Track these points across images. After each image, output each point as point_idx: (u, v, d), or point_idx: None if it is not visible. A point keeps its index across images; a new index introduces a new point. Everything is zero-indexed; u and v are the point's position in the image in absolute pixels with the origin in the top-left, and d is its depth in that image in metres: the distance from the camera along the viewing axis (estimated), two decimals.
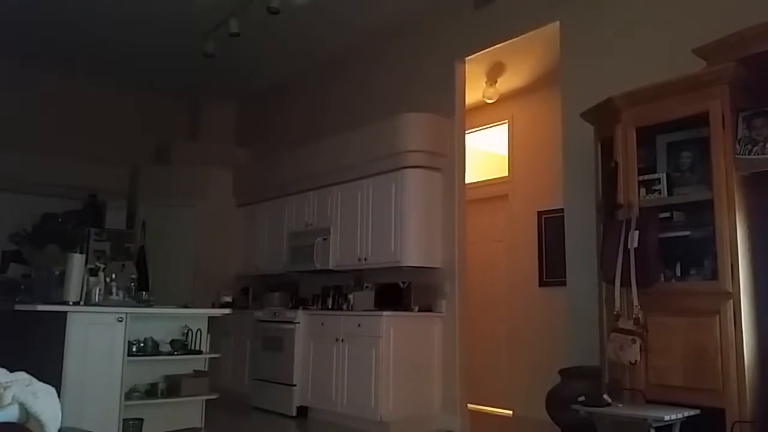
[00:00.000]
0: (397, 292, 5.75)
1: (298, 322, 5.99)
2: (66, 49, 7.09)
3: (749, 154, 3.28)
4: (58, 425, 2.50)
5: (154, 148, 8.22)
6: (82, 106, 7.70)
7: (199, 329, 4.55)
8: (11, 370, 2.54)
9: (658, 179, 3.63)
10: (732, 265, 3.21)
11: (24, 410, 2.35)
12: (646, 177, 3.67)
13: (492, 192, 6.76)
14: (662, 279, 3.52)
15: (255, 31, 6.24)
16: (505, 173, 6.72)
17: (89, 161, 7.45)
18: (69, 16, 6.30)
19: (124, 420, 3.97)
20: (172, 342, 4.45)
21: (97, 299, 4.22)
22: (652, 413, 3.13)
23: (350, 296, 5.94)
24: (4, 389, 2.35)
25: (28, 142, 7.12)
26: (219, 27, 6.04)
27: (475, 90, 6.30)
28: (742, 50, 3.33)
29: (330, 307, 6.21)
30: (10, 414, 2.30)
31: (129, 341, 4.09)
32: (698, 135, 3.54)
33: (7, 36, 6.74)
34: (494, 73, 6.23)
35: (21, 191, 7.02)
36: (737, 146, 3.31)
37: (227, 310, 5.15)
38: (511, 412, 6.21)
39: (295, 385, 5.88)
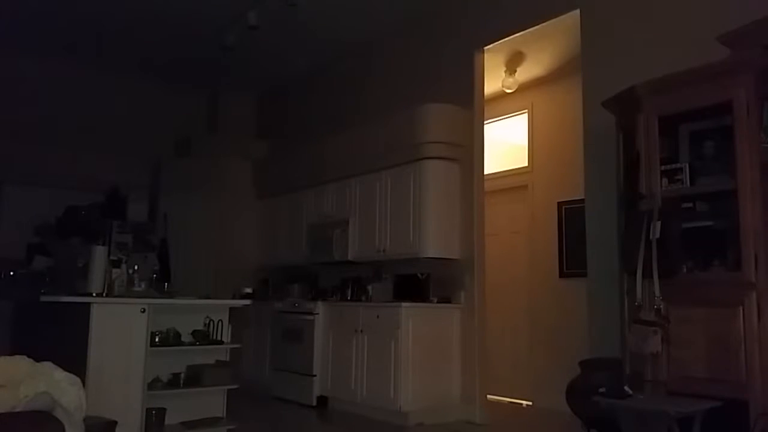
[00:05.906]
0: (416, 283, 5.75)
1: (318, 313, 6.02)
2: (87, 43, 7.14)
3: None
4: (83, 414, 2.55)
5: (175, 140, 8.28)
6: (104, 99, 7.77)
7: (220, 320, 4.58)
8: (37, 361, 2.59)
9: (681, 169, 3.58)
10: (756, 255, 3.17)
11: (51, 399, 2.39)
12: (668, 167, 3.62)
13: (512, 183, 6.72)
14: (684, 270, 3.48)
15: (273, 24, 6.24)
16: (525, 164, 6.67)
17: (111, 154, 7.53)
18: (88, 9, 6.35)
19: (147, 409, 4.01)
20: (194, 332, 4.49)
21: (119, 291, 4.27)
22: (673, 405, 3.11)
23: (369, 287, 5.96)
24: (33, 379, 2.40)
25: (51, 137, 7.22)
26: (238, 20, 6.05)
27: (494, 80, 6.24)
28: (767, 37, 3.27)
29: (349, 298, 6.23)
30: (38, 403, 2.35)
31: (151, 332, 4.13)
32: (722, 124, 3.49)
33: (27, 30, 6.82)
34: (513, 62, 6.17)
35: (44, 185, 7.11)
36: (762, 135, 3.26)
37: (247, 301, 5.17)
38: (531, 403, 6.19)
39: (315, 376, 5.93)
